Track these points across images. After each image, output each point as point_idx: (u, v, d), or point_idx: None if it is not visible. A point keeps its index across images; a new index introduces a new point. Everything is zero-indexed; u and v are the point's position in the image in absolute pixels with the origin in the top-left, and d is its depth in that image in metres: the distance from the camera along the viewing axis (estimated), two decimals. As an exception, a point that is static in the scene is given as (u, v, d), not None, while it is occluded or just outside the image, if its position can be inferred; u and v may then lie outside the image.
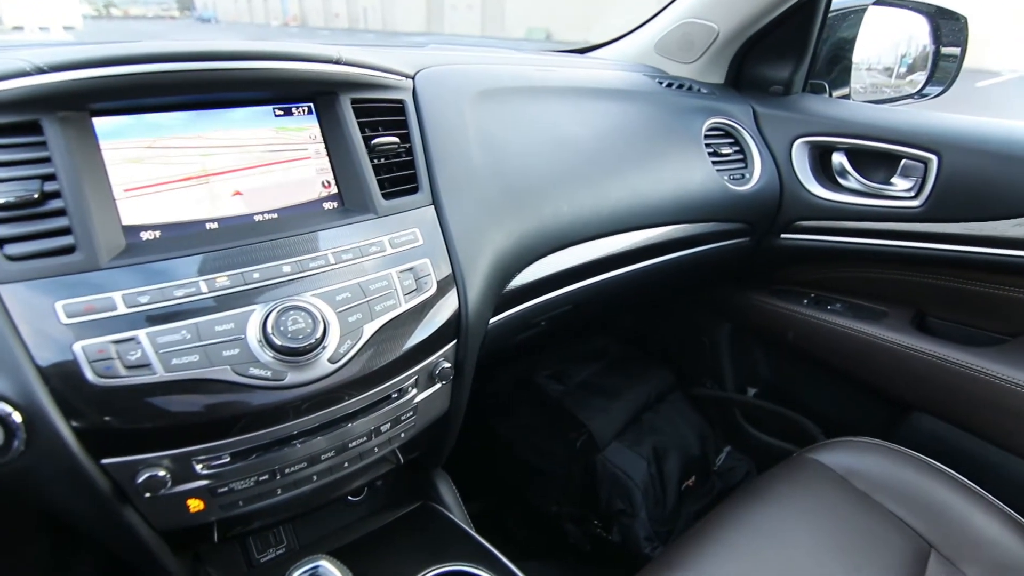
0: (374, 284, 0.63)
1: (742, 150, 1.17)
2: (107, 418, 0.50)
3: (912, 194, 1.06)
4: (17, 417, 0.48)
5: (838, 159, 1.14)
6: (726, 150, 1.15)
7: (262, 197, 0.66)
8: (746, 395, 1.47)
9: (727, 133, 1.17)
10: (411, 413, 0.69)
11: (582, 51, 1.47)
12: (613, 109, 1.05)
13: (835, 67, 1.32)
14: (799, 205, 1.16)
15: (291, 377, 0.56)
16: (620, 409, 1.33)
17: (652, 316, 1.65)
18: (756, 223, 1.18)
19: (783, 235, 1.21)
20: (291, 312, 0.56)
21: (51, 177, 0.53)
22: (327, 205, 0.70)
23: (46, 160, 0.53)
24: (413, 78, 0.80)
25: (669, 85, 1.19)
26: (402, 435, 0.70)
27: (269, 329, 0.55)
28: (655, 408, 1.40)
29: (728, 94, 1.25)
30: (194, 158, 0.63)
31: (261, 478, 0.59)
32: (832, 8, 1.20)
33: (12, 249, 0.51)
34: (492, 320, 0.81)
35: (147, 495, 0.53)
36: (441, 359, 0.70)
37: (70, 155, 0.54)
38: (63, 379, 0.49)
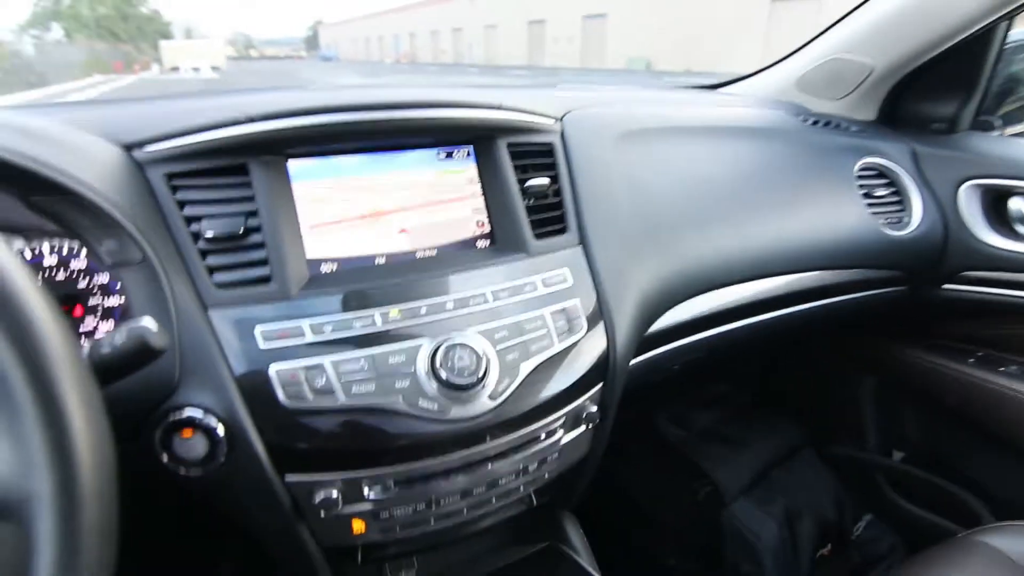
0: (529, 324, 0.64)
1: (899, 192, 1.08)
2: (294, 438, 0.54)
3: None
4: (221, 431, 0.53)
5: (1016, 205, 1.02)
6: (881, 192, 1.06)
7: (424, 235, 0.70)
8: (891, 459, 1.33)
9: (881, 174, 1.09)
10: (556, 455, 0.69)
11: (713, 87, 1.44)
12: (754, 148, 1.01)
13: (1006, 102, 1.20)
14: (967, 254, 1.05)
15: (455, 412, 0.57)
16: (747, 462, 1.24)
17: (782, 363, 1.54)
18: (914, 271, 1.07)
19: (946, 286, 1.10)
20: (457, 349, 0.58)
21: (253, 214, 0.59)
22: (480, 244, 0.72)
23: (250, 199, 0.59)
24: (561, 120, 0.81)
25: (815, 123, 1.13)
26: (545, 476, 0.69)
27: (437, 364, 0.57)
28: (784, 465, 1.30)
29: (881, 132, 1.16)
30: (369, 197, 0.68)
31: (419, 507, 0.61)
32: (1008, 40, 1.09)
33: (220, 277, 0.57)
34: (631, 362, 0.79)
35: (322, 513, 0.56)
36: (588, 402, 0.69)
37: (270, 195, 0.59)
38: (260, 399, 0.53)
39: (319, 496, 0.56)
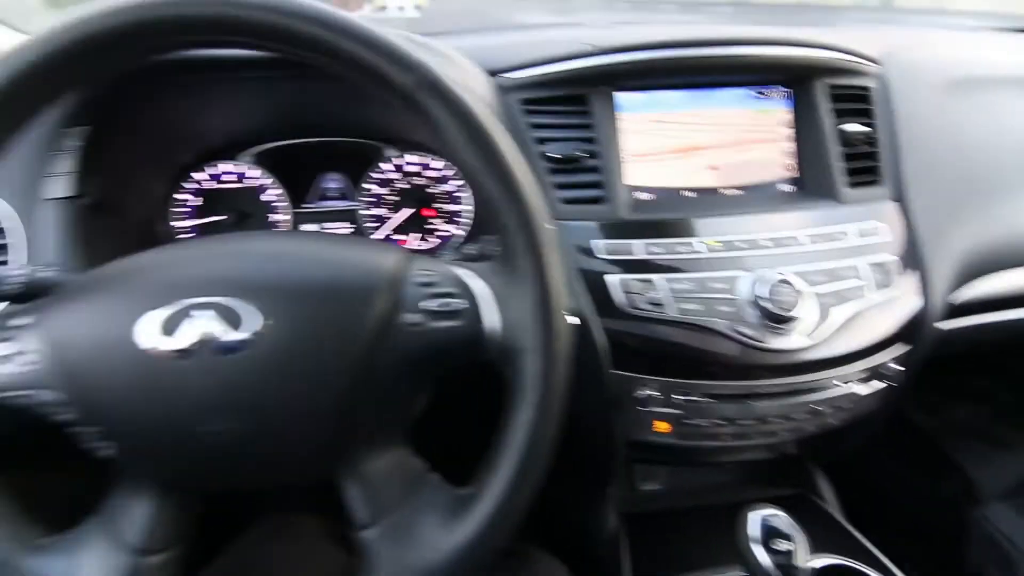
0: (843, 271, 0.64)
1: None
2: (626, 338, 0.62)
3: None
4: (576, 321, 0.61)
5: None
6: None
7: (732, 173, 0.71)
8: None
9: None
10: (849, 404, 0.69)
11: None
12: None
13: None
14: None
15: (770, 342, 0.60)
16: (1014, 465, 1.10)
17: None
18: None
19: None
20: (777, 283, 0.60)
21: (588, 140, 0.65)
22: (783, 187, 0.72)
23: (587, 127, 0.66)
24: (881, 64, 0.76)
25: None
26: (831, 422, 0.70)
27: (758, 294, 0.60)
28: (1063, 478, 1.12)
29: None
30: (685, 133, 0.71)
31: (718, 422, 0.66)
32: None
33: (563, 194, 0.64)
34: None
35: (638, 408, 0.64)
36: (890, 360, 0.68)
37: (603, 125, 0.66)
38: (603, 301, 0.61)
39: (638, 393, 0.64)
